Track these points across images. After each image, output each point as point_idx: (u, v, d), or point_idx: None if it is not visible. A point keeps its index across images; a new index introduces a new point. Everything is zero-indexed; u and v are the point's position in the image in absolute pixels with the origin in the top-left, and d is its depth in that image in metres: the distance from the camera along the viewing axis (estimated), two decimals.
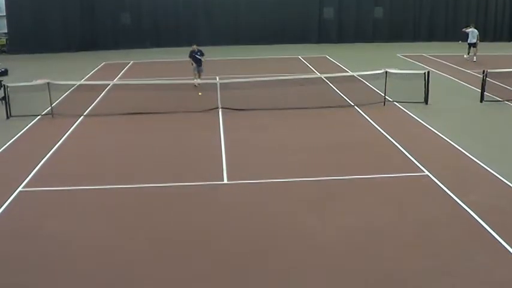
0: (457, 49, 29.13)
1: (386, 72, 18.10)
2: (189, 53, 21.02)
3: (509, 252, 8.35)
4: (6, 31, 32.65)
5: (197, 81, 20.42)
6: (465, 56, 26.89)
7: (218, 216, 9.84)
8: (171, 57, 28.85)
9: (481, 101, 18.04)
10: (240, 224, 9.54)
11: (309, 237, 9.03)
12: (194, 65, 20.93)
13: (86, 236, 9.13)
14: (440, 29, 34.80)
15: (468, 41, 26.66)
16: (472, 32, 26.46)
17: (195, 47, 21.05)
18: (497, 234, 8.87)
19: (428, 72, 17.98)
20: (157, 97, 18.60)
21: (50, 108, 17.08)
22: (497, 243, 8.64)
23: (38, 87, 17.45)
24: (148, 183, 11.39)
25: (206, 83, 19.91)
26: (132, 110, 17.04)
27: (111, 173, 12.13)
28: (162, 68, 26.39)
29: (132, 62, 28.00)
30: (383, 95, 17.89)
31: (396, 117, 16.48)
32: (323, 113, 16.95)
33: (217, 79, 19.09)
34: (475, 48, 26.45)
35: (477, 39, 26.37)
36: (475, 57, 26.26)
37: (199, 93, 19.55)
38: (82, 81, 21.42)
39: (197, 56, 20.87)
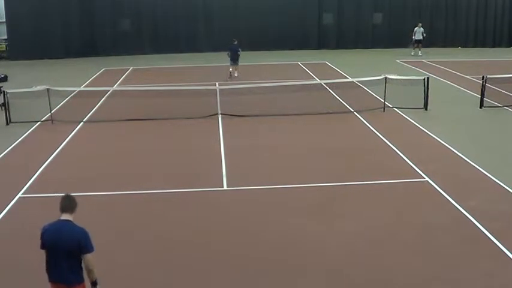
0: (457, 55, 29.18)
1: (385, 78, 18.12)
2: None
3: (510, 257, 8.33)
4: (6, 37, 32.70)
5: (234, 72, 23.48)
6: (412, 53, 31.15)
7: (218, 223, 9.82)
8: (170, 64, 28.90)
9: (480, 107, 18.05)
10: (240, 230, 9.52)
11: (309, 242, 9.02)
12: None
13: None
14: (440, 35, 34.84)
15: (416, 38, 30.99)
16: (419, 30, 30.85)
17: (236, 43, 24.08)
18: (497, 239, 8.86)
19: (427, 78, 18.00)
20: (157, 103, 18.58)
21: (49, 114, 17.08)
22: (497, 248, 8.63)
23: (37, 94, 17.44)
24: (148, 190, 11.37)
25: (206, 90, 19.90)
26: (131, 116, 17.04)
27: (110, 179, 12.13)
28: (161, 74, 26.41)
29: (131, 68, 28.02)
30: (383, 101, 17.90)
31: (396, 123, 16.49)
32: (323, 119, 16.95)
33: (217, 85, 19.11)
34: (420, 44, 31.06)
35: (422, 37, 30.79)
36: (420, 52, 30.88)
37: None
38: (82, 88, 21.45)
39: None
